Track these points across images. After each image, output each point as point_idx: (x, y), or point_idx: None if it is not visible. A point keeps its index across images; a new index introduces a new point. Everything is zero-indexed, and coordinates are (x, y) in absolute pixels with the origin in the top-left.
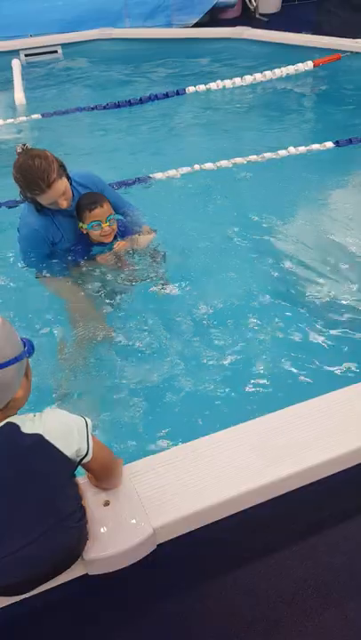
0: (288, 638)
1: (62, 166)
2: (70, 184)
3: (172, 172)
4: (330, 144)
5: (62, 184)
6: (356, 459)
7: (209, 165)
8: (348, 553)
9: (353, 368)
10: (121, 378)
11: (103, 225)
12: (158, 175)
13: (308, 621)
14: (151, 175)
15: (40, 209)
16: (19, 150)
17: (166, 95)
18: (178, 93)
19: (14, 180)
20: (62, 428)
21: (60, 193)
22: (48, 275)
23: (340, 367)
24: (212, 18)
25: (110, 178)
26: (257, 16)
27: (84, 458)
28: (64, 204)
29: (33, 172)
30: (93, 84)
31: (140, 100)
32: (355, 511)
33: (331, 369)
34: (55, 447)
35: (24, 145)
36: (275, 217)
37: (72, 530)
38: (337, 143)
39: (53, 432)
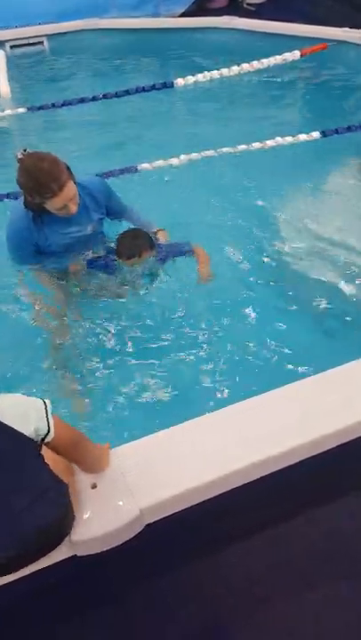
0: (275, 617)
1: (68, 168)
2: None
3: (159, 163)
4: (316, 134)
5: (73, 186)
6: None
7: (195, 156)
8: (328, 534)
9: (313, 362)
10: (107, 367)
11: (138, 268)
12: (145, 166)
13: (292, 601)
14: (138, 166)
15: (38, 216)
16: (19, 156)
17: (153, 87)
18: (166, 85)
19: (20, 185)
20: (16, 409)
21: (71, 195)
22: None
23: (309, 358)
24: (200, 7)
25: (98, 169)
26: (244, 5)
27: (45, 437)
28: (74, 208)
29: (43, 174)
30: (80, 76)
31: (127, 91)
32: (334, 493)
33: (298, 359)
34: (12, 428)
35: (24, 150)
36: (263, 206)
37: (53, 504)
38: (323, 133)
39: (7, 413)
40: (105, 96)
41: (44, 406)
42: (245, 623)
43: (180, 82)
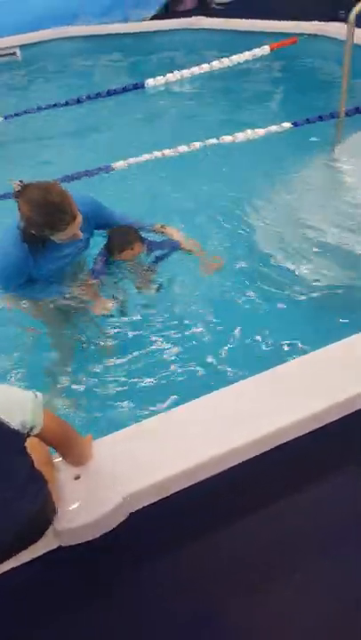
0: (262, 599)
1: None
2: None
3: (132, 160)
4: (288, 125)
5: (80, 219)
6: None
7: (168, 152)
8: (314, 514)
9: (299, 344)
10: (93, 362)
11: (130, 264)
12: (120, 164)
13: (277, 582)
14: (113, 165)
15: (34, 248)
16: (17, 188)
17: (125, 89)
18: (137, 86)
19: (27, 220)
20: (5, 401)
21: (80, 222)
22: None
23: (293, 341)
24: (169, 10)
25: (74, 169)
26: (213, 6)
27: (32, 429)
28: (79, 234)
29: (57, 208)
30: (53, 83)
31: (98, 94)
32: (322, 472)
33: (281, 343)
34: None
35: (20, 181)
36: (239, 198)
37: (29, 501)
38: (295, 124)
39: None
40: (78, 100)
41: (34, 398)
42: (235, 606)
43: (150, 82)
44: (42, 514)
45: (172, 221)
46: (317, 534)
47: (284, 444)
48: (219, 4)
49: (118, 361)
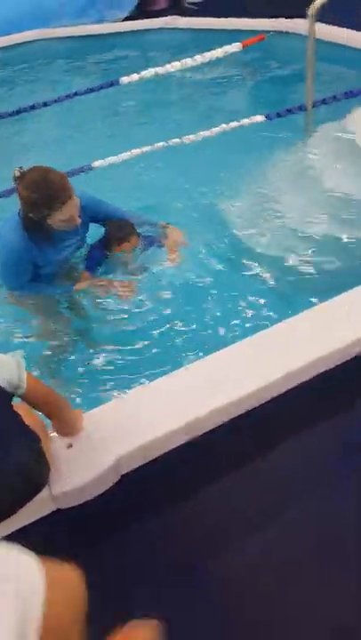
0: (245, 551)
1: None
2: None
3: (112, 159)
4: (260, 118)
5: (77, 200)
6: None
7: (147, 149)
8: (291, 468)
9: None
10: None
11: (127, 255)
12: (99, 163)
13: (257, 535)
14: (93, 164)
15: (35, 236)
16: (17, 174)
17: (101, 87)
18: (112, 84)
19: (27, 201)
20: None
21: (77, 203)
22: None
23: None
24: (142, 11)
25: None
26: (186, 5)
27: (17, 389)
28: (78, 219)
29: (53, 184)
30: (35, 85)
31: (76, 93)
32: (297, 430)
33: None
34: None
35: (19, 167)
36: (216, 190)
37: (25, 451)
38: (267, 117)
39: None
40: (56, 100)
41: (16, 360)
42: (228, 557)
43: (124, 80)
44: (36, 468)
45: (154, 212)
46: (297, 483)
47: (261, 405)
48: (191, 4)
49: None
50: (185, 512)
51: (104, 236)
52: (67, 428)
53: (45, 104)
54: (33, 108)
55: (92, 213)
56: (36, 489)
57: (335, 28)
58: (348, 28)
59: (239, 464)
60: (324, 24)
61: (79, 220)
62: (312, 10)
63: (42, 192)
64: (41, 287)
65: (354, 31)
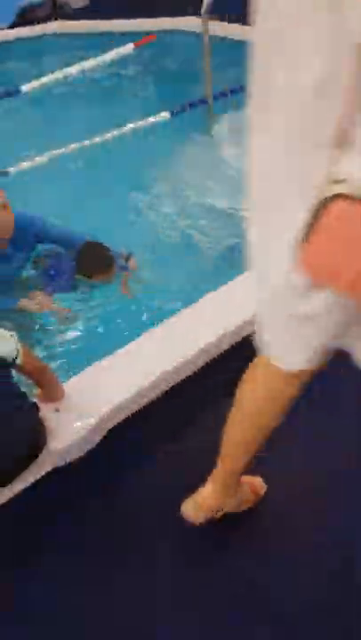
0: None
1: None
2: None
3: (25, 164)
4: (165, 114)
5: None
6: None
7: (55, 153)
8: None
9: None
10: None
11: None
12: (13, 168)
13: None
14: (7, 169)
15: None
16: None
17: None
18: (10, 93)
19: None
20: None
21: (6, 217)
22: None
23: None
24: (24, 19)
25: None
26: (70, 11)
27: (15, 360)
28: (5, 238)
29: None
30: None
31: None
32: None
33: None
34: None
35: None
36: (133, 185)
37: (29, 413)
38: (171, 113)
39: None
40: None
41: (12, 334)
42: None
43: (25, 87)
44: (37, 434)
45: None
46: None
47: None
48: (76, 9)
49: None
50: (169, 459)
51: (79, 262)
52: (53, 394)
53: None
54: None
55: (39, 235)
56: (37, 453)
57: (227, 24)
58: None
59: (212, 409)
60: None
61: (6, 235)
62: (204, 8)
63: None
64: None
65: (246, 26)
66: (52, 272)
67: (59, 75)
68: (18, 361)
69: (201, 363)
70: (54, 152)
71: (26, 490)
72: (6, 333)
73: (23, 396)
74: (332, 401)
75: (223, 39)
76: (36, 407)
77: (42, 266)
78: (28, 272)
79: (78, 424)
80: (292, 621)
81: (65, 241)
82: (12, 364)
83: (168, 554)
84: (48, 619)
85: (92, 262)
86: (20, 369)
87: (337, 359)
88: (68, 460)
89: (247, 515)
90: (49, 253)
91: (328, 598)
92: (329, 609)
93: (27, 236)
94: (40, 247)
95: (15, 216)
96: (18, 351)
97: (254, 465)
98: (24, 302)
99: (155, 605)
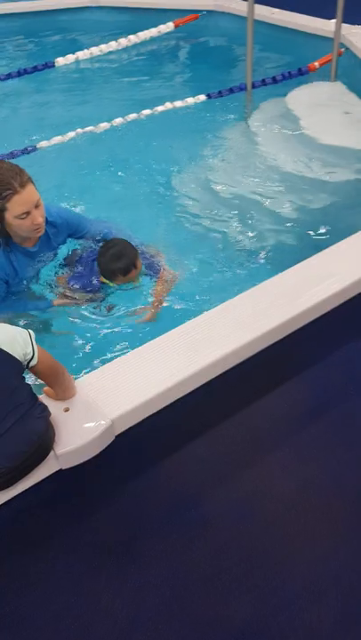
0: (236, 487)
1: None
2: None
3: (57, 139)
4: (203, 97)
5: (36, 192)
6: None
7: (90, 129)
8: (273, 417)
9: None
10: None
11: (134, 284)
12: (43, 144)
13: (250, 475)
14: (37, 145)
15: (4, 244)
16: None
17: (35, 68)
18: (47, 66)
19: None
20: (6, 335)
21: (34, 199)
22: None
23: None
24: None
25: None
26: None
27: (30, 361)
28: (40, 219)
29: (3, 171)
30: None
31: (10, 75)
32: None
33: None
34: (3, 350)
35: None
36: (162, 171)
37: (39, 420)
38: (208, 96)
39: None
40: None
41: (29, 334)
42: (221, 499)
43: (60, 61)
44: (47, 434)
45: (98, 199)
46: (276, 435)
47: (241, 362)
48: None
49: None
50: (175, 467)
51: (99, 261)
52: (64, 392)
53: None
54: None
55: (70, 229)
56: (47, 453)
57: (274, 9)
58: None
59: (225, 419)
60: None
61: (41, 221)
62: None
63: None
64: (17, 305)
65: (292, 13)
66: (81, 268)
67: (96, 50)
68: (33, 362)
69: (217, 372)
70: (85, 129)
71: (29, 490)
72: (23, 332)
73: (34, 400)
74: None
75: (269, 24)
76: (47, 411)
77: (72, 261)
78: (58, 269)
79: (88, 426)
80: None
81: (96, 237)
82: (27, 366)
83: (172, 557)
84: (49, 619)
85: (111, 263)
86: (35, 370)
87: None
88: (74, 464)
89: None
90: (82, 250)
91: None
92: None
93: (58, 234)
94: (75, 242)
95: (48, 212)
96: (34, 352)
97: None
98: (59, 300)
99: (157, 609)
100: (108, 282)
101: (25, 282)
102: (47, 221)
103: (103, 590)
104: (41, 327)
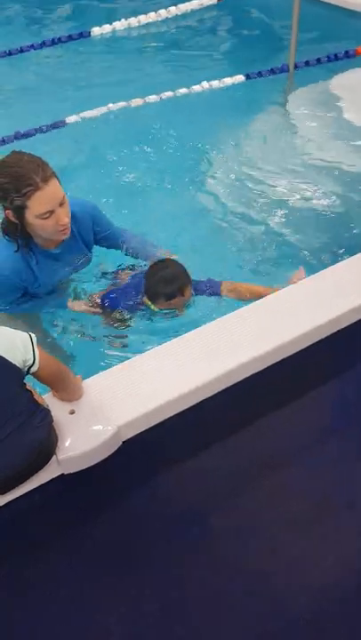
0: (241, 503)
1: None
2: None
3: (87, 114)
4: (241, 77)
5: (60, 188)
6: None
7: (123, 104)
8: (287, 429)
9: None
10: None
11: (179, 313)
12: (73, 118)
13: (256, 490)
14: (66, 119)
15: (24, 248)
16: None
17: (70, 37)
18: (82, 35)
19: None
20: (6, 341)
21: (59, 196)
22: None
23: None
24: None
25: (25, 126)
26: None
27: (31, 367)
28: (65, 219)
29: (23, 163)
30: None
31: (43, 43)
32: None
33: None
34: (3, 357)
35: None
36: (197, 151)
37: (38, 428)
38: (247, 76)
39: None
40: (21, 50)
41: (29, 338)
42: (225, 515)
43: (96, 31)
44: (49, 441)
45: (132, 178)
46: (293, 447)
47: (257, 372)
48: None
49: None
50: (184, 477)
51: (144, 279)
52: (69, 395)
53: (9, 53)
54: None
55: (95, 222)
56: (48, 459)
57: None
58: None
59: (238, 429)
60: None
61: (66, 221)
62: None
63: (10, 174)
64: (30, 305)
65: None
66: (123, 287)
67: (134, 20)
68: (34, 369)
69: (234, 380)
70: (117, 104)
71: (29, 494)
72: (24, 337)
73: (34, 407)
74: None
75: (317, 1)
76: (49, 417)
77: (118, 279)
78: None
79: (94, 431)
80: None
81: (114, 236)
82: (27, 372)
83: (171, 572)
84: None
85: (158, 284)
86: (36, 376)
87: None
88: (77, 469)
89: None
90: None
91: None
92: None
93: (82, 230)
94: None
95: (71, 200)
96: (34, 359)
97: None
98: (81, 307)
99: (154, 623)
100: (149, 303)
101: (49, 289)
102: (72, 217)
103: (100, 601)
104: (48, 326)
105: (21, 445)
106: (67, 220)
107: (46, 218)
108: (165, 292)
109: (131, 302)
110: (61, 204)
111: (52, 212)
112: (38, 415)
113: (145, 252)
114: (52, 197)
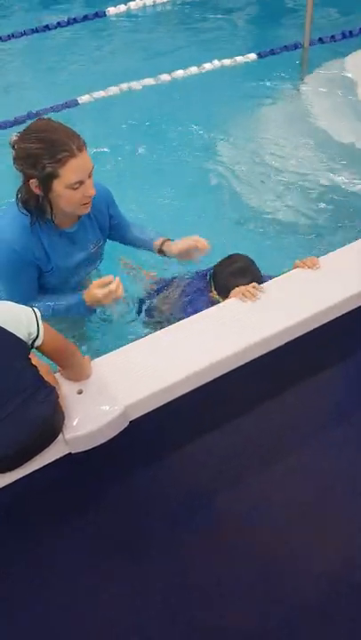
0: (247, 487)
1: None
2: None
3: (100, 94)
4: (253, 56)
5: (90, 159)
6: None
7: (135, 84)
8: (294, 412)
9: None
10: None
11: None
12: (86, 98)
13: (263, 474)
14: (79, 99)
15: (36, 222)
16: (14, 138)
17: (86, 17)
18: (97, 15)
19: (25, 157)
20: (10, 314)
21: (90, 168)
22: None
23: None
24: None
25: (39, 104)
26: None
27: (35, 340)
28: (92, 190)
29: (59, 131)
30: (9, 12)
31: (59, 23)
32: (302, 376)
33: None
34: (6, 330)
35: (18, 133)
36: (208, 130)
37: (43, 404)
38: (259, 54)
39: (2, 317)
40: (36, 30)
41: (33, 312)
42: (231, 499)
43: (111, 10)
44: (54, 417)
45: (140, 157)
46: (299, 429)
47: (270, 352)
48: None
49: None
50: (190, 459)
51: (213, 274)
52: (77, 374)
53: (24, 33)
54: (12, 36)
55: (108, 202)
56: (53, 437)
57: None
58: None
59: (244, 410)
60: None
61: (93, 192)
62: None
63: (43, 139)
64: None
65: None
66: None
67: (148, 0)
68: (38, 342)
69: (243, 361)
70: (129, 83)
71: (35, 473)
72: (28, 311)
73: (39, 383)
74: None
75: None
76: (54, 394)
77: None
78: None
79: (101, 411)
80: None
81: (123, 225)
82: (32, 345)
83: (175, 558)
84: (43, 606)
85: (234, 278)
86: (41, 350)
87: None
88: (85, 448)
89: None
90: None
91: None
92: None
93: (98, 210)
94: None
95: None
96: (38, 332)
97: None
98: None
99: (155, 612)
100: (219, 298)
101: (63, 274)
102: None
103: (100, 587)
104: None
105: (25, 421)
106: (93, 192)
107: (76, 188)
108: (240, 284)
109: (201, 305)
110: (90, 176)
111: (81, 182)
112: (43, 391)
113: (147, 241)
114: (85, 167)
